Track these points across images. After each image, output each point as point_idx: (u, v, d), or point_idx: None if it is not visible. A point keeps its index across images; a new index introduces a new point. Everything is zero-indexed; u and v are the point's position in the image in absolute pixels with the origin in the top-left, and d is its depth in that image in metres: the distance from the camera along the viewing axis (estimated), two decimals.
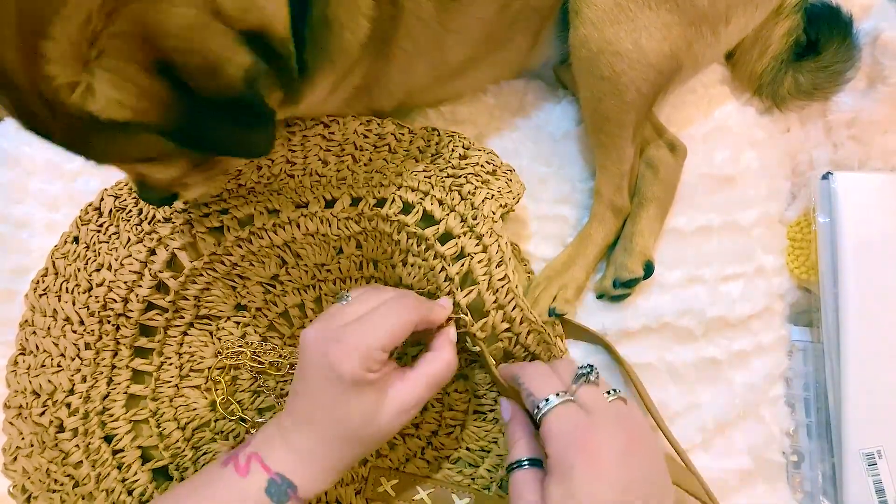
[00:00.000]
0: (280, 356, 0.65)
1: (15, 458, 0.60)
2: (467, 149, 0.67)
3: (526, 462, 0.49)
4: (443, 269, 0.60)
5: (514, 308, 0.59)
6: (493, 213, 0.62)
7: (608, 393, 0.49)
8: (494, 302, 0.59)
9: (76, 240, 0.64)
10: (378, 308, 0.51)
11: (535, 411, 0.48)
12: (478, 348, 0.58)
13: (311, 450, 0.49)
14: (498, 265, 0.60)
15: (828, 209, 0.72)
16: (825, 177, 0.73)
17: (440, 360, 0.53)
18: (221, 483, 0.48)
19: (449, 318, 0.57)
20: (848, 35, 0.74)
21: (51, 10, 0.35)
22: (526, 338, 0.60)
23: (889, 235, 0.70)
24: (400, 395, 0.50)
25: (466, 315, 0.58)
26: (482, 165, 0.66)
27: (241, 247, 0.62)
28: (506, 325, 0.60)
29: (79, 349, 0.61)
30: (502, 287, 0.59)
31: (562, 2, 0.67)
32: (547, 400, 0.47)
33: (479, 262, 0.60)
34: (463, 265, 0.60)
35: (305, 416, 0.49)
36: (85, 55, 0.36)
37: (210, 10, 0.38)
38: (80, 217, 0.65)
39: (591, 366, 0.50)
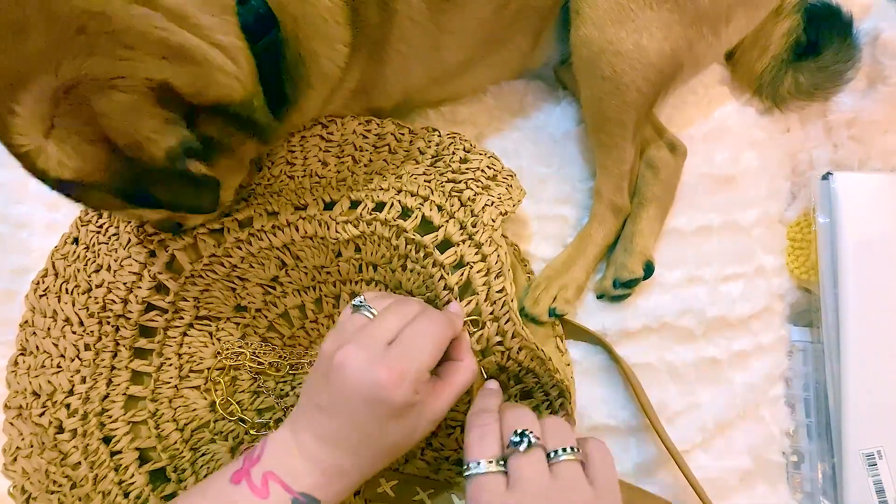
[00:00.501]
0: (280, 357, 0.65)
1: (15, 459, 0.60)
2: (468, 152, 0.66)
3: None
4: (441, 277, 0.59)
5: (507, 321, 0.58)
6: (493, 221, 0.61)
7: (560, 451, 0.45)
8: (491, 313, 0.58)
9: (76, 241, 0.64)
10: (414, 326, 0.48)
11: (464, 469, 0.46)
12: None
13: (340, 466, 0.46)
14: (497, 276, 0.59)
15: (828, 209, 0.72)
16: (825, 177, 0.73)
17: (465, 369, 0.52)
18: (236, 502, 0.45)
19: (463, 323, 0.56)
20: (848, 35, 0.74)
21: (19, 87, 0.43)
22: (517, 353, 0.59)
23: (889, 235, 0.70)
24: (433, 408, 0.49)
25: (467, 323, 0.58)
26: (483, 171, 0.65)
27: (240, 248, 0.62)
28: (498, 339, 0.58)
29: (78, 350, 0.61)
30: (500, 299, 0.58)
31: (562, 2, 0.67)
32: (478, 463, 0.45)
33: (478, 271, 0.59)
34: (462, 274, 0.59)
35: (334, 434, 0.46)
36: (44, 126, 0.44)
37: (151, 96, 0.44)
38: (79, 218, 0.65)
39: (526, 432, 0.45)
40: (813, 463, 0.70)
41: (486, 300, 0.58)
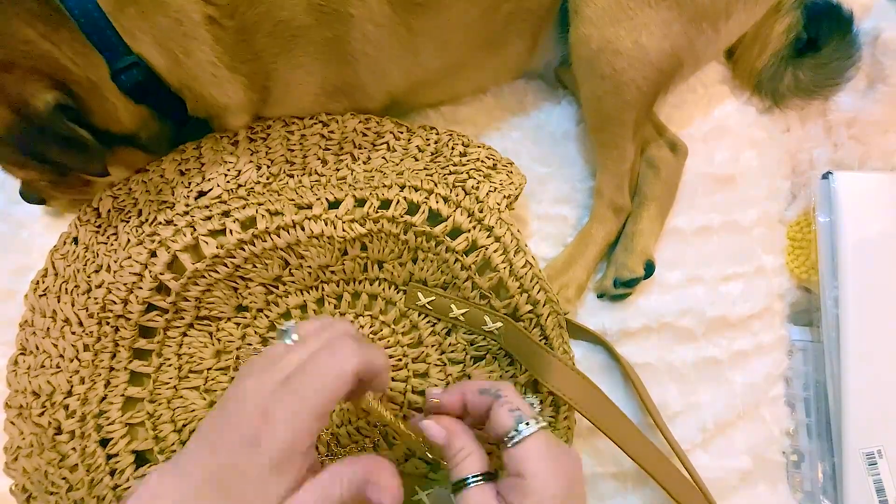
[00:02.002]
0: None
1: (16, 458, 0.60)
2: (466, 146, 0.67)
3: (481, 477, 0.45)
4: (457, 260, 0.62)
5: (538, 291, 0.61)
6: (499, 205, 0.63)
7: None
8: (519, 287, 0.61)
9: (75, 240, 0.64)
10: (316, 360, 0.42)
11: (519, 428, 0.45)
12: (498, 324, 0.61)
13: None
14: (516, 252, 0.62)
15: (828, 209, 0.72)
16: (825, 176, 0.73)
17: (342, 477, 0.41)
18: None
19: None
20: (848, 31, 0.74)
21: None
22: (545, 320, 0.61)
23: (889, 235, 0.70)
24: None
25: (490, 297, 0.61)
26: (482, 161, 0.66)
27: (244, 249, 0.62)
28: (529, 307, 0.61)
29: (77, 351, 0.61)
30: (525, 273, 0.61)
31: (560, 2, 0.67)
32: (536, 420, 0.45)
33: (494, 251, 0.62)
34: (478, 255, 0.62)
35: (208, 479, 0.39)
36: None
37: (46, 80, 0.54)
38: (78, 218, 0.65)
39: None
40: (813, 463, 0.70)
41: (510, 276, 0.61)
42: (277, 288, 0.64)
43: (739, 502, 0.67)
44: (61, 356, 0.61)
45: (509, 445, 0.45)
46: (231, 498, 0.38)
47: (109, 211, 0.63)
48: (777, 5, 0.72)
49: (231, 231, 0.61)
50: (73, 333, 0.61)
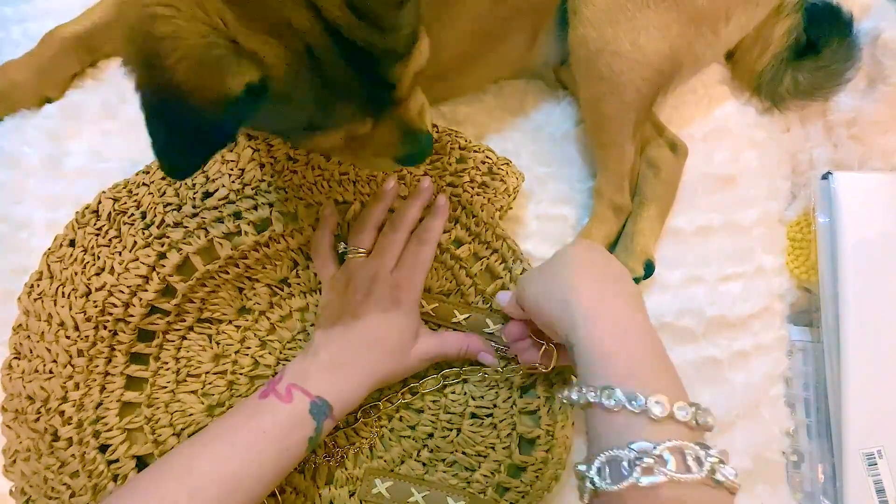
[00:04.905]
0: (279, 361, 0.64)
1: (14, 461, 0.60)
2: (464, 149, 0.68)
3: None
4: (462, 267, 0.66)
5: None
6: (493, 218, 0.67)
7: None
8: None
9: (72, 243, 0.63)
10: (410, 253, 0.63)
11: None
12: (499, 325, 0.65)
13: (346, 368, 0.57)
14: (514, 261, 0.66)
15: (828, 209, 0.72)
16: (825, 177, 0.73)
17: (456, 340, 0.63)
18: (267, 411, 0.54)
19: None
20: (848, 34, 0.73)
21: None
22: None
23: (889, 235, 0.70)
24: (425, 343, 0.61)
25: (491, 301, 0.65)
26: (477, 167, 0.68)
27: (257, 251, 0.63)
28: None
29: (70, 356, 0.60)
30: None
31: (560, 1, 0.67)
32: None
33: (495, 261, 0.66)
34: (481, 265, 0.66)
35: (344, 338, 0.59)
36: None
37: None
38: (76, 220, 0.64)
39: None
40: (813, 463, 0.70)
41: (511, 281, 0.66)
42: (283, 290, 0.64)
43: (739, 502, 0.67)
44: (55, 361, 0.60)
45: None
46: (383, 351, 0.59)
47: (110, 213, 0.63)
48: (778, 7, 0.72)
49: (247, 233, 0.62)
50: (68, 338, 0.60)
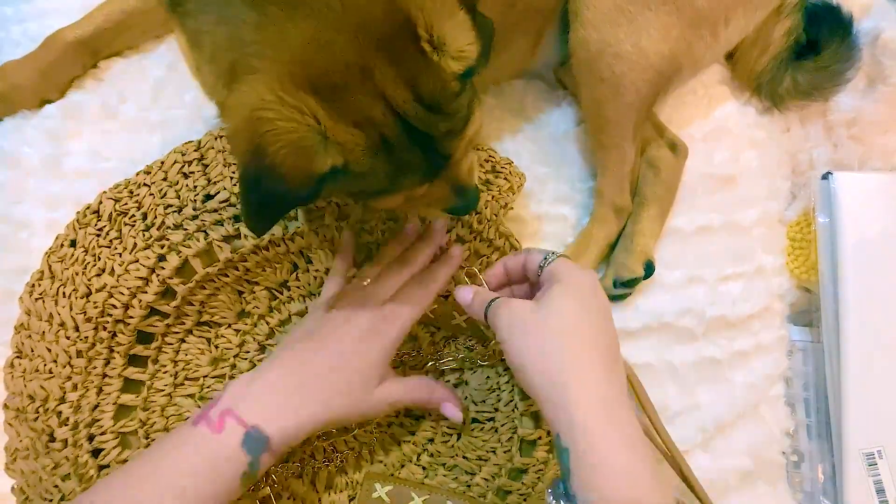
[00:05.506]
0: None
1: (14, 459, 0.60)
2: None
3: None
4: (461, 267, 0.63)
5: None
6: (496, 216, 0.65)
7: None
8: None
9: (73, 243, 0.63)
10: (403, 293, 0.58)
11: (547, 257, 0.53)
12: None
13: (292, 404, 0.51)
14: None
15: (828, 209, 0.72)
16: (825, 177, 0.73)
17: (422, 387, 0.59)
18: (195, 441, 0.48)
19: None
20: (847, 35, 0.73)
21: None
22: None
23: (889, 235, 0.70)
24: (388, 389, 0.55)
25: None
26: (481, 165, 0.67)
27: (257, 254, 0.62)
28: None
29: (70, 357, 0.60)
30: None
31: (562, 4, 0.67)
32: (553, 253, 0.53)
33: (497, 259, 0.64)
34: (481, 264, 0.65)
35: (293, 370, 0.53)
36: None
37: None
38: (77, 220, 0.63)
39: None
40: (813, 463, 0.70)
41: None
42: (282, 293, 0.64)
43: (739, 502, 0.67)
44: (54, 361, 0.60)
45: (543, 267, 0.52)
46: (342, 382, 0.53)
47: (111, 214, 0.63)
48: (778, 8, 0.72)
49: (246, 236, 0.61)
50: (68, 338, 0.60)
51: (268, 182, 0.42)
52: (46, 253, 0.63)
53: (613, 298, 0.71)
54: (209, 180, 0.64)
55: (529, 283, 0.58)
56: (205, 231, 0.62)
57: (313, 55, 0.41)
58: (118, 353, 0.61)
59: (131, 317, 0.61)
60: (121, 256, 0.61)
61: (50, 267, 0.63)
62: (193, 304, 0.62)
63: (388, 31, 0.42)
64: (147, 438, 0.60)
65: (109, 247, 0.62)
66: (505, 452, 0.62)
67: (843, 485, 0.67)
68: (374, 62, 0.42)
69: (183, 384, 0.63)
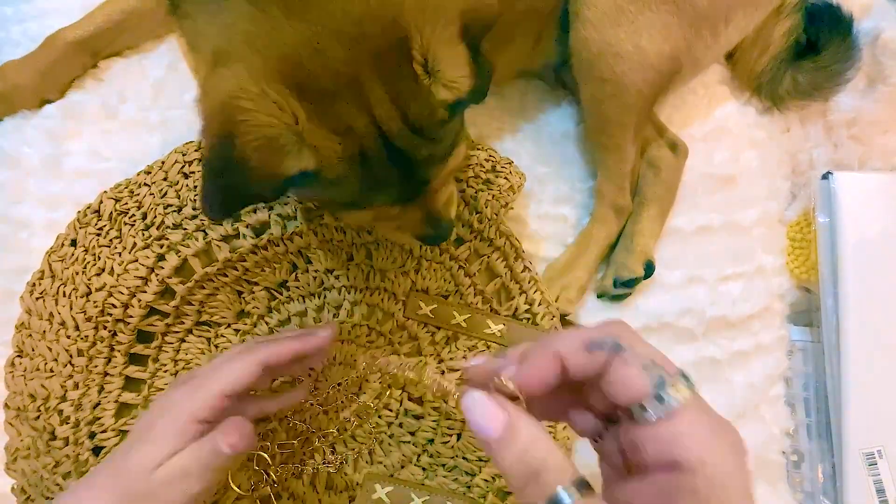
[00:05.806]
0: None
1: (15, 459, 0.60)
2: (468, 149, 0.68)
3: (576, 489, 0.30)
4: (460, 268, 0.65)
5: (535, 291, 0.66)
6: (497, 215, 0.65)
7: None
8: (519, 289, 0.66)
9: (74, 243, 0.63)
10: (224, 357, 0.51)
11: (663, 394, 0.31)
12: (500, 326, 0.65)
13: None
14: (516, 259, 0.66)
15: (828, 209, 0.72)
16: (825, 177, 0.73)
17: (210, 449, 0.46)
18: None
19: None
20: (848, 35, 0.73)
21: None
22: (541, 319, 0.65)
23: (889, 235, 0.70)
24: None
25: (492, 301, 0.66)
26: (481, 165, 0.67)
27: (255, 253, 0.62)
28: (526, 307, 0.66)
29: (71, 355, 0.60)
30: (524, 277, 0.66)
31: (562, 3, 0.67)
32: (686, 380, 0.32)
33: (496, 259, 0.66)
34: (481, 263, 0.65)
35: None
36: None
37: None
38: (77, 220, 0.64)
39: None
40: (813, 463, 0.70)
41: (511, 280, 0.66)
42: (281, 293, 0.64)
43: None
44: (55, 360, 0.61)
45: (652, 420, 0.31)
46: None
47: (111, 213, 0.63)
48: (778, 8, 0.72)
49: (245, 236, 0.61)
50: (68, 337, 0.60)
51: (232, 174, 0.41)
52: (47, 252, 0.64)
53: (613, 298, 0.71)
54: None
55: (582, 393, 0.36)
56: (203, 231, 0.62)
57: (305, 57, 0.41)
58: (119, 351, 0.61)
59: (131, 316, 0.61)
60: (120, 256, 0.62)
61: (50, 266, 0.63)
62: (193, 304, 0.62)
63: (385, 46, 0.41)
64: None
65: (109, 246, 0.62)
66: None
67: (843, 485, 0.67)
68: (366, 75, 0.41)
69: None
